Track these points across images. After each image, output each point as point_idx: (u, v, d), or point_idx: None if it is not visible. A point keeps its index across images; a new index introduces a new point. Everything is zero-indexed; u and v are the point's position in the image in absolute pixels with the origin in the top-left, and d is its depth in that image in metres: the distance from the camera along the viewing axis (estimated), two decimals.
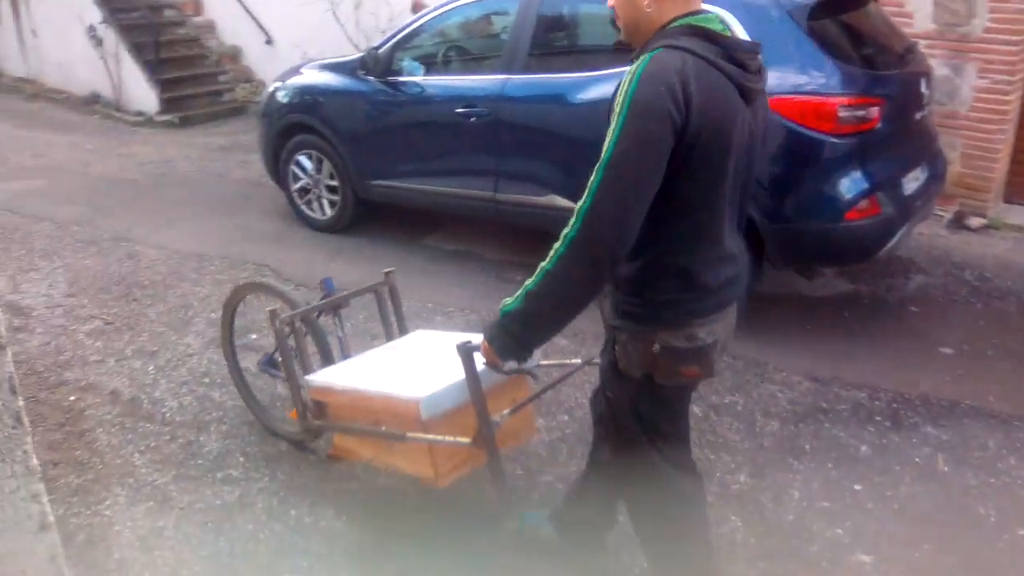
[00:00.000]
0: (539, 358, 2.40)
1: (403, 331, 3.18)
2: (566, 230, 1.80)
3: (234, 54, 10.58)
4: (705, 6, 1.95)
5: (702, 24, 1.86)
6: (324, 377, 2.83)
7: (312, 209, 5.95)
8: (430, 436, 2.43)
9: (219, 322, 3.54)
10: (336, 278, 3.29)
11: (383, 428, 2.54)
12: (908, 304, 4.61)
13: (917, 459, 3.21)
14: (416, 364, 2.77)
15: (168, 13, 10.61)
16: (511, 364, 2.02)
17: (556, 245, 1.81)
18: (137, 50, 9.77)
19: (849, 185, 3.99)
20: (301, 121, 5.78)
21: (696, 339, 1.95)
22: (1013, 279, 4.86)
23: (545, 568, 2.64)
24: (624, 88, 1.78)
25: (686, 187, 1.84)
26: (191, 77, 10.18)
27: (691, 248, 1.93)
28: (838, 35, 4.27)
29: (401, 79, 5.26)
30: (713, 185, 1.88)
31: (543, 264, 1.83)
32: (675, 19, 1.87)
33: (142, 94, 9.81)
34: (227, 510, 2.99)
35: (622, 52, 4.81)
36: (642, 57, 1.82)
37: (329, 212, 5.87)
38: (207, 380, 3.86)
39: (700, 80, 1.78)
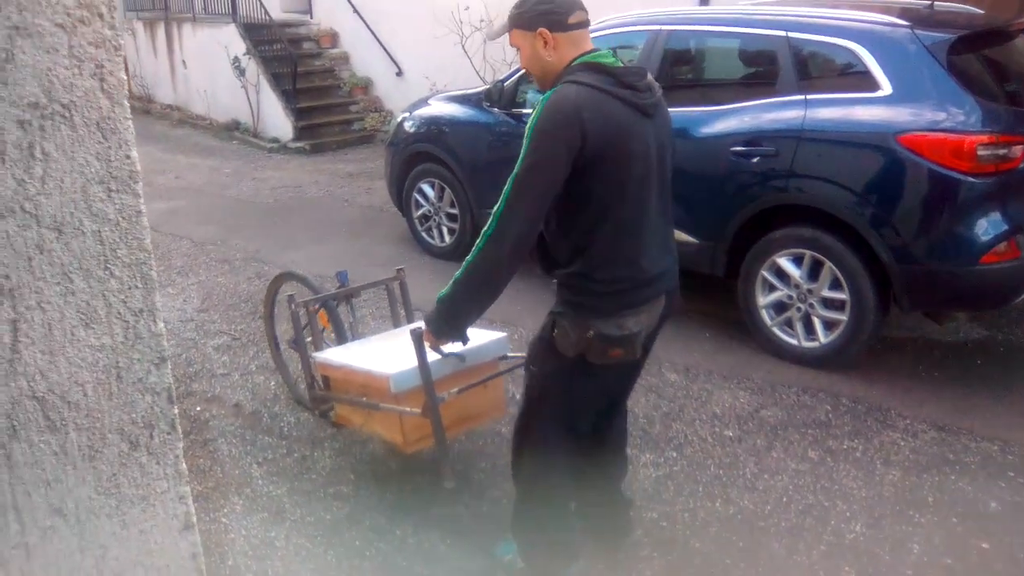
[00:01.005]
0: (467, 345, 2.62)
1: (410, 321, 3.53)
2: (484, 229, 2.18)
3: (365, 85, 11.03)
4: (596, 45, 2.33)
5: (595, 60, 2.24)
6: (327, 354, 3.29)
7: (432, 236, 6.11)
8: (397, 407, 2.90)
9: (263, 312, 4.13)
10: None
11: (364, 399, 3.04)
12: None
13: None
14: (407, 348, 2.91)
15: (306, 45, 11.20)
16: (448, 346, 2.43)
17: (477, 241, 2.20)
18: (276, 80, 10.34)
19: (987, 227, 3.79)
20: (426, 150, 5.97)
21: (625, 328, 2.29)
22: None
23: None
24: (532, 117, 2.18)
25: (599, 190, 2.20)
26: (324, 106, 10.69)
27: (619, 246, 2.26)
28: (980, 71, 4.10)
29: (524, 111, 5.35)
30: (622, 186, 2.22)
31: (467, 258, 2.22)
32: (573, 60, 2.25)
33: (278, 122, 10.36)
34: (336, 525, 3.08)
35: (749, 86, 4.82)
36: (547, 92, 2.22)
37: (448, 239, 6.01)
38: None
39: (593, 106, 2.16)
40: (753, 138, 4.27)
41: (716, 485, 3.26)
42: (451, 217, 5.92)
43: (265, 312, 4.05)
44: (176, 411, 1.41)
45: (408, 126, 6.16)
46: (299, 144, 10.05)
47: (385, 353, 3.15)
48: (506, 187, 2.17)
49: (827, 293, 4.12)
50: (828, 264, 4.07)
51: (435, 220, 6.04)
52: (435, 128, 5.96)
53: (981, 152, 3.70)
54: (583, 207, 2.22)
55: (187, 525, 1.46)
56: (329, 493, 3.27)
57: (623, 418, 2.84)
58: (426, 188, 6.02)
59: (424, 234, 6.15)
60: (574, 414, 2.57)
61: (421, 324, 2.65)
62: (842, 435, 3.58)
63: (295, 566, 2.88)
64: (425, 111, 6.14)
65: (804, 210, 4.17)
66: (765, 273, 4.33)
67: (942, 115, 3.79)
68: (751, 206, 4.30)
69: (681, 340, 4.57)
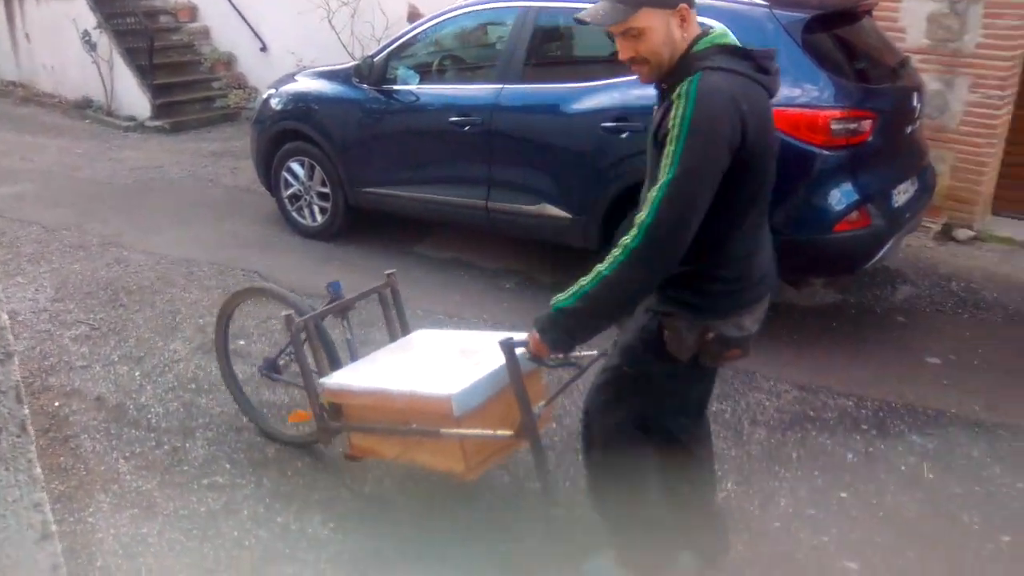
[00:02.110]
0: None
1: (405, 330, 3.19)
2: (627, 240, 1.93)
3: (228, 60, 10.58)
4: (702, 19, 2.10)
5: (727, 41, 2.02)
6: (340, 379, 2.84)
7: (303, 216, 5.95)
8: (465, 431, 2.51)
9: (214, 327, 3.51)
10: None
11: (413, 426, 2.59)
12: (895, 315, 4.63)
13: (903, 467, 3.22)
14: (431, 362, 2.80)
15: (163, 19, 10.63)
16: (556, 355, 2.18)
17: (615, 253, 1.95)
18: (130, 55, 9.77)
19: (839, 197, 4.01)
20: (294, 128, 5.78)
21: (743, 328, 2.15)
22: (999, 291, 4.88)
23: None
24: (679, 112, 1.90)
25: (742, 193, 2.00)
26: (184, 83, 10.19)
27: (744, 245, 2.10)
28: (832, 49, 4.29)
29: (395, 87, 5.27)
30: (761, 187, 2.06)
31: (600, 269, 1.97)
32: (695, 41, 2.02)
33: (134, 99, 9.81)
34: (212, 517, 2.97)
35: (617, 63, 4.86)
36: (686, 81, 1.94)
37: (320, 219, 5.87)
38: (193, 386, 3.85)
39: (747, 98, 1.94)
40: (622, 114, 4.34)
41: None
42: (322, 196, 5.77)
43: (218, 335, 3.45)
44: (26, 411, 1.30)
45: (274, 103, 5.95)
46: (158, 123, 9.54)
47: (412, 370, 2.81)
48: (655, 194, 1.90)
49: None
50: None
51: (306, 199, 5.87)
52: (303, 105, 5.78)
53: (834, 126, 3.91)
54: (727, 206, 1.98)
55: (45, 535, 1.36)
56: (203, 484, 3.15)
57: (708, 424, 2.66)
58: (295, 167, 5.84)
59: (295, 214, 5.98)
60: (670, 416, 2.42)
61: (474, 335, 2.83)
62: (711, 398, 3.72)
63: (169, 562, 2.76)
64: (292, 87, 5.95)
65: None
66: None
67: (798, 91, 3.96)
68: (622, 180, 4.39)
69: None
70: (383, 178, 5.41)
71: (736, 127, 1.90)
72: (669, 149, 1.90)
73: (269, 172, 6.03)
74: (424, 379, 2.66)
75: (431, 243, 5.78)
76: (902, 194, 4.34)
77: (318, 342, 2.96)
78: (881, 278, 5.01)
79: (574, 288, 2.02)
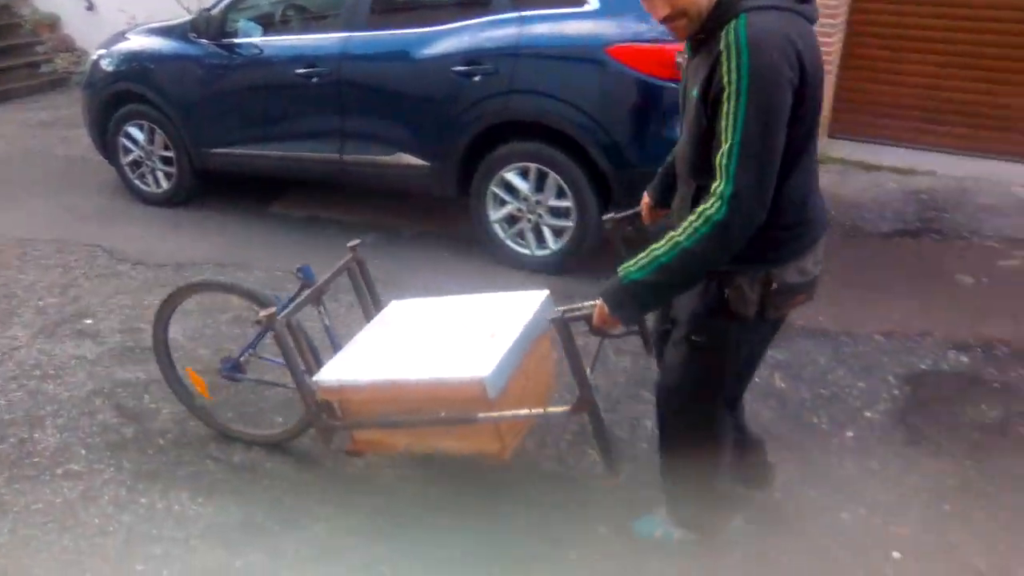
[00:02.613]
0: None
1: (378, 305, 2.97)
2: (707, 210, 1.79)
3: (52, 22, 9.82)
4: None
5: None
6: (336, 375, 2.54)
7: (146, 182, 5.64)
8: (506, 413, 2.33)
9: (152, 327, 3.13)
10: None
11: (442, 414, 2.38)
12: None
13: (756, 379, 3.38)
14: (432, 340, 2.59)
15: None
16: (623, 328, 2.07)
17: (694, 222, 1.81)
18: None
19: None
20: (129, 90, 5.44)
21: (807, 272, 2.06)
22: (836, 209, 5.18)
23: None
24: (733, 64, 1.74)
25: (797, 133, 1.85)
26: (3, 48, 9.39)
27: (800, 187, 1.97)
28: None
29: (237, 41, 5.02)
30: (814, 125, 1.93)
31: (678, 239, 1.83)
32: None
33: None
34: (70, 507, 2.82)
35: (465, 5, 4.84)
36: (728, 28, 1.77)
37: (165, 184, 5.58)
38: (38, 373, 3.61)
39: (799, 34, 1.80)
40: (473, 57, 4.30)
41: None
42: (166, 160, 5.48)
43: (157, 337, 3.11)
44: None
45: (105, 64, 5.56)
46: None
47: (412, 353, 2.56)
48: (726, 159, 1.77)
49: (553, 202, 4.31)
50: (552, 175, 4.26)
51: (148, 165, 5.56)
52: (137, 65, 5.43)
53: (679, 59, 3.97)
54: (785, 147, 1.83)
55: None
56: (58, 474, 2.98)
57: None
58: (134, 131, 5.51)
59: (137, 181, 5.66)
60: (742, 379, 2.36)
61: (449, 300, 2.74)
62: (577, 334, 3.80)
63: (25, 560, 2.61)
64: (124, 47, 5.57)
65: (527, 125, 4.30)
66: (495, 189, 4.44)
67: (644, 26, 4.00)
68: (476, 125, 4.36)
69: (421, 262, 4.61)
70: (230, 137, 5.17)
71: (795, 67, 1.76)
72: (729, 107, 1.74)
73: (105, 139, 5.66)
74: (438, 361, 2.42)
75: (287, 202, 5.60)
76: None
77: (301, 337, 2.65)
78: None
79: (646, 259, 1.88)
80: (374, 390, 2.45)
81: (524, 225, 4.45)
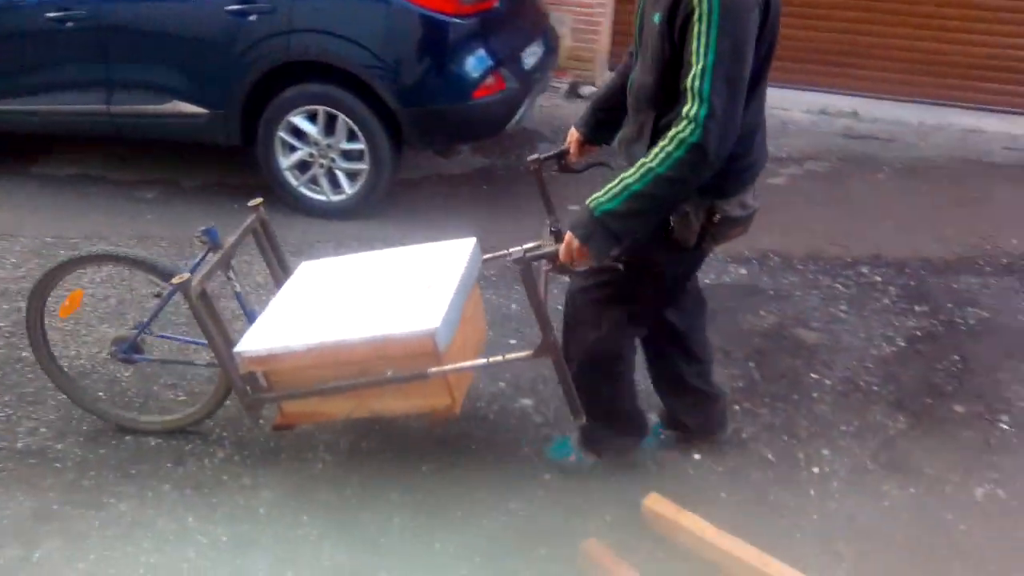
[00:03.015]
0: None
1: (285, 268, 2.73)
2: (680, 133, 1.74)
3: None
4: None
5: None
6: (262, 343, 2.29)
7: None
8: (462, 364, 2.23)
9: (28, 303, 2.71)
10: None
11: (388, 373, 2.20)
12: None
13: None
14: (361, 296, 2.39)
15: None
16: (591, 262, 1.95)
17: (666, 147, 1.76)
18: None
19: (475, 63, 4.13)
20: None
21: (747, 206, 2.07)
22: None
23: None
24: None
25: (759, 56, 1.84)
26: None
27: (752, 119, 1.94)
28: None
29: None
30: (772, 48, 1.91)
31: (649, 164, 1.78)
32: None
33: None
34: None
35: None
36: None
37: None
38: None
39: None
40: None
41: None
42: None
43: (32, 318, 2.71)
44: None
45: None
46: None
47: (345, 311, 2.34)
48: (698, 83, 1.72)
49: (345, 145, 4.21)
50: (341, 117, 4.14)
51: None
52: None
53: None
54: None
55: None
56: None
57: (699, 295, 2.56)
58: None
59: None
60: (668, 305, 2.36)
61: (367, 257, 2.58)
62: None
63: None
64: None
65: (311, 66, 4.13)
66: (283, 135, 4.26)
67: None
68: (256, 68, 4.14)
69: (212, 217, 4.37)
70: None
71: None
72: (699, 28, 1.71)
73: None
74: (378, 318, 2.24)
75: (52, 161, 5.11)
76: (530, 56, 4.57)
77: (213, 306, 2.35)
78: (521, 138, 5.33)
79: (616, 187, 1.81)
80: (310, 355, 2.23)
81: (317, 171, 4.31)
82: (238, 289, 2.57)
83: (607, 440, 2.55)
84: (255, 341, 2.31)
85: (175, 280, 2.24)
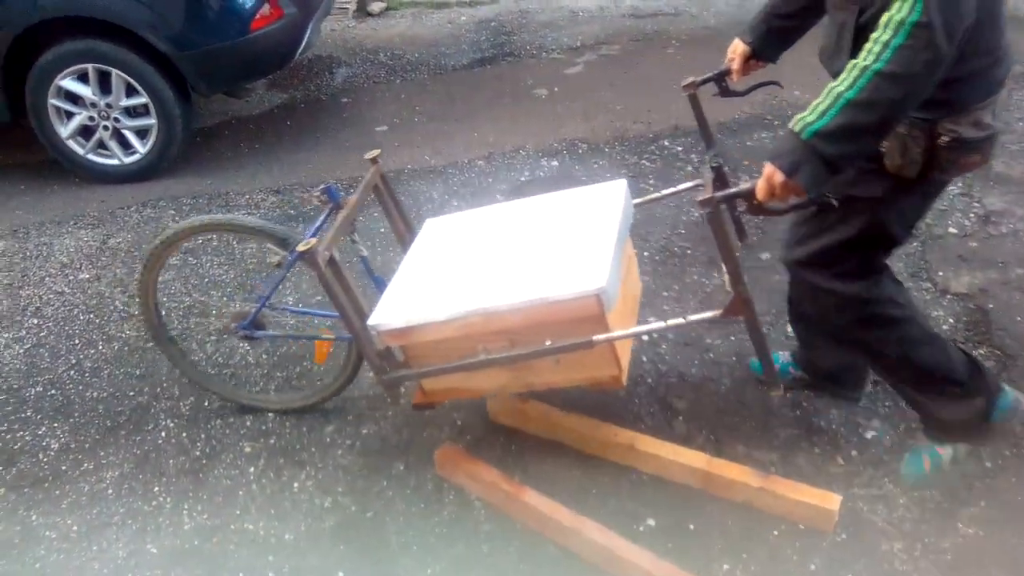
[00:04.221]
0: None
1: (409, 225, 2.43)
2: (895, 14, 1.40)
3: None
4: None
5: None
6: (398, 315, 1.99)
7: None
8: (633, 330, 1.94)
9: (140, 277, 2.48)
10: None
11: (548, 343, 1.88)
12: (340, 96, 4.85)
13: (382, 227, 3.51)
14: (505, 254, 2.06)
15: None
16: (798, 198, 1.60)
17: (880, 36, 1.42)
18: None
19: None
20: None
21: (983, 126, 1.66)
22: (419, 51, 5.35)
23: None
24: None
25: None
26: None
27: (988, 17, 1.56)
28: None
29: None
30: None
31: (865, 63, 1.43)
32: None
33: None
34: None
35: None
36: None
37: None
38: None
39: None
40: None
41: (93, 329, 3.08)
42: None
43: (147, 300, 2.50)
44: None
45: None
46: None
47: (483, 275, 2.00)
48: None
49: (126, 102, 3.94)
50: (114, 72, 3.85)
51: None
52: None
53: None
54: None
55: None
56: None
57: None
58: None
59: None
60: (892, 245, 1.89)
61: (500, 210, 2.22)
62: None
63: None
64: None
65: (72, 21, 3.79)
66: (55, 102, 3.93)
67: None
68: (7, 30, 3.77)
69: (16, 202, 4.03)
70: None
71: None
72: None
73: None
74: (531, 279, 1.90)
75: None
76: None
77: (343, 274, 2.05)
78: (317, 67, 5.16)
79: (825, 100, 1.48)
80: (454, 327, 1.93)
81: (102, 133, 4.02)
82: (364, 253, 2.33)
83: (951, 411, 2.01)
84: (390, 312, 2.01)
85: (300, 247, 1.94)
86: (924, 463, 2.08)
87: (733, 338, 2.66)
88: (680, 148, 3.94)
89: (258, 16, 3.91)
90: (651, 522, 2.07)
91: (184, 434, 2.57)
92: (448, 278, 2.04)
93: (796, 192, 1.53)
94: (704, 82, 2.06)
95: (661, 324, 1.83)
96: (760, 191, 1.56)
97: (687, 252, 3.17)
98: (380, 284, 2.28)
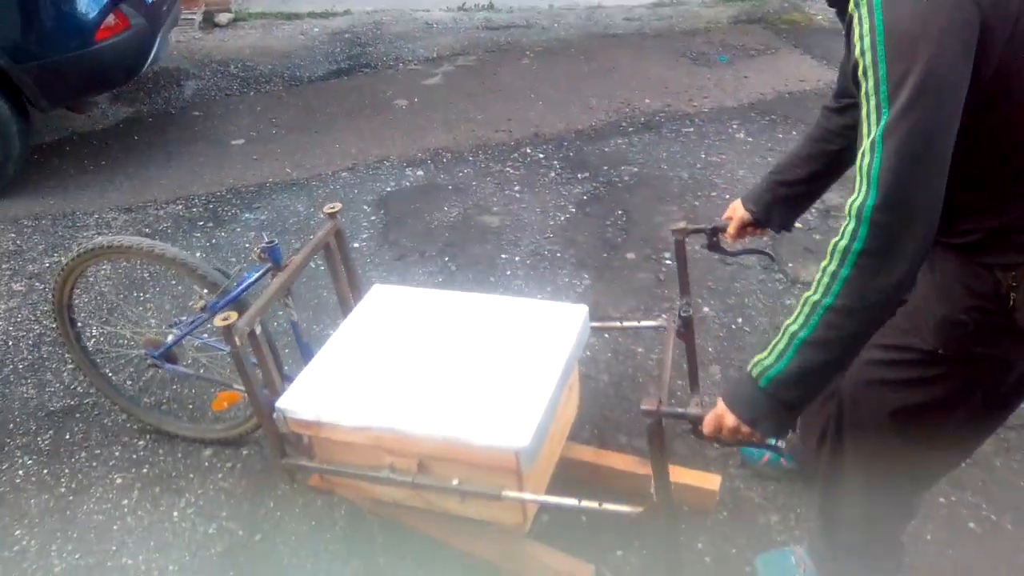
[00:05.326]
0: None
1: (356, 289, 2.24)
2: (841, 240, 1.21)
3: None
4: None
5: None
6: (309, 404, 1.83)
7: None
8: (544, 498, 1.78)
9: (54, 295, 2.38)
10: None
11: (454, 482, 1.76)
12: (191, 110, 4.67)
13: (247, 243, 3.42)
14: (441, 363, 1.91)
15: None
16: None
17: (829, 267, 1.22)
18: None
19: (89, 3, 3.72)
20: None
21: None
22: (272, 62, 5.23)
23: None
24: (864, 25, 1.16)
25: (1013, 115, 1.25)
26: None
27: None
28: None
29: None
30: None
31: (815, 297, 1.25)
32: None
33: None
34: None
35: None
36: None
37: None
38: None
39: None
40: None
41: None
42: None
43: (60, 313, 2.40)
44: None
45: None
46: None
47: (410, 382, 1.85)
48: (865, 160, 1.17)
49: None
50: None
51: None
52: None
53: None
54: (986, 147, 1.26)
55: None
56: None
57: None
58: None
59: None
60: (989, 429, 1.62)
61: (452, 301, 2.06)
62: (38, 256, 3.40)
63: None
64: None
65: None
66: None
67: None
68: None
69: None
70: None
71: (967, 9, 1.14)
72: (867, 88, 1.17)
73: None
74: (455, 408, 1.78)
75: None
76: None
77: (267, 345, 1.89)
78: (165, 80, 4.95)
79: (780, 340, 1.30)
80: (366, 435, 1.80)
81: None
82: (294, 318, 2.15)
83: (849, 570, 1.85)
84: (302, 400, 1.86)
85: (218, 322, 1.76)
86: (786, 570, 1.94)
87: (607, 336, 2.76)
88: (542, 155, 4.04)
89: (103, 27, 3.72)
90: (545, 517, 2.11)
91: (45, 471, 2.40)
92: (374, 373, 1.90)
93: (752, 438, 1.38)
94: (695, 231, 1.95)
95: (574, 502, 1.72)
96: (708, 425, 1.43)
97: (556, 255, 3.26)
98: (307, 353, 2.13)
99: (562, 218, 3.51)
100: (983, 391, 1.46)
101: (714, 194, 3.59)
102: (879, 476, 1.62)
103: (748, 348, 2.68)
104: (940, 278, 1.40)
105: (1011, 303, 1.32)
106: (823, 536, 1.83)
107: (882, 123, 1.15)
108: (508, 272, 3.17)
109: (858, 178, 1.18)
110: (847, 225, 1.20)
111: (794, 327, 1.27)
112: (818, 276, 1.25)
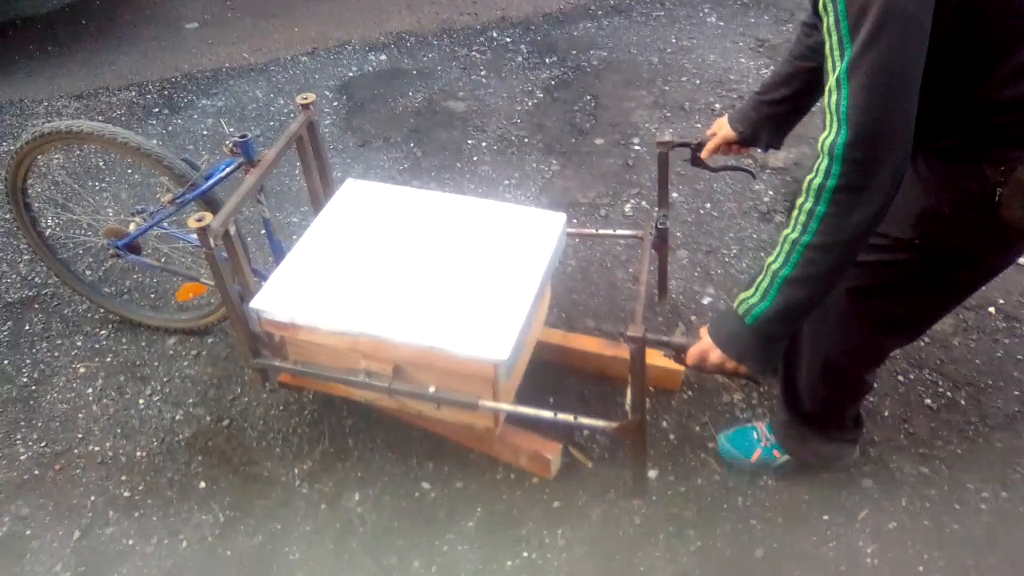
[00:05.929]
0: None
1: (327, 184, 2.12)
2: (815, 178, 1.20)
3: None
4: None
5: None
6: (284, 304, 1.77)
7: None
8: (522, 409, 1.77)
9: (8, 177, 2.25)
10: None
11: (431, 390, 1.76)
12: None
13: (204, 130, 3.31)
14: (413, 265, 1.86)
15: None
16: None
17: (806, 205, 1.22)
18: None
19: None
20: None
21: None
22: None
23: None
24: None
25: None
26: None
27: None
28: None
29: None
30: None
31: (793, 235, 1.25)
32: None
33: None
34: None
35: None
36: None
37: None
38: None
39: None
40: None
41: None
42: None
43: (16, 203, 2.29)
44: None
45: None
46: None
47: (386, 283, 1.81)
48: (835, 95, 1.15)
49: None
50: None
51: None
52: None
53: None
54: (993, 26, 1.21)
55: None
56: None
57: None
58: None
59: None
60: (948, 309, 1.66)
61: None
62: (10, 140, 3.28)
63: None
64: None
65: None
66: None
67: None
68: None
69: None
70: None
71: None
72: (828, 22, 1.15)
73: None
74: (435, 314, 1.74)
75: None
76: None
77: (240, 242, 1.80)
78: None
79: (764, 279, 1.31)
80: (343, 339, 1.76)
81: None
82: (267, 215, 2.06)
83: (810, 443, 1.93)
84: (277, 300, 1.79)
85: (192, 223, 1.66)
86: (755, 453, 1.99)
87: (575, 220, 2.73)
88: (509, 39, 3.91)
89: None
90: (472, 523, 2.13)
91: (6, 361, 2.37)
92: (350, 275, 1.84)
93: (738, 372, 1.43)
94: (678, 145, 1.95)
95: (549, 414, 1.74)
96: (691, 357, 1.46)
97: (524, 140, 3.19)
98: (279, 251, 2.08)
99: (530, 103, 3.43)
100: (944, 279, 1.51)
101: (684, 79, 3.51)
102: (835, 350, 1.68)
103: (715, 232, 2.67)
104: (925, 172, 1.39)
105: (997, 198, 1.32)
106: (785, 409, 1.88)
107: (845, 59, 1.13)
108: (475, 158, 3.11)
109: (827, 115, 1.18)
110: (820, 163, 1.19)
111: (775, 265, 1.29)
112: (795, 214, 1.25)
